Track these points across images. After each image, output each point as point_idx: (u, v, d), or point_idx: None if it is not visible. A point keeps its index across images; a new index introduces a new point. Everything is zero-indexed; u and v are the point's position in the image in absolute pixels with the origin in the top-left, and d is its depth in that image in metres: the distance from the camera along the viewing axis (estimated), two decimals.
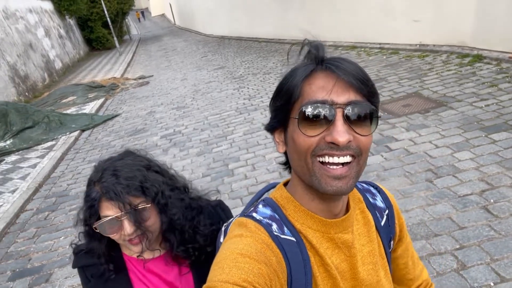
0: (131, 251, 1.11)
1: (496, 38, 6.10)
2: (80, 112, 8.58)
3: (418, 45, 7.73)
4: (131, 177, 1.00)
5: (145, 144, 5.99)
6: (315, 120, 0.64)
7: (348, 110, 0.63)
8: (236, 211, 3.54)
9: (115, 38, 20.51)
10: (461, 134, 4.05)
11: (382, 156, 3.98)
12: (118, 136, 6.70)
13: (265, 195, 0.81)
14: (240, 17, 16.58)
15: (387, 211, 0.84)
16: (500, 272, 2.30)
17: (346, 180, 0.64)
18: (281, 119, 0.72)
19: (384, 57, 7.93)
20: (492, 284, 2.24)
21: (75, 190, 4.82)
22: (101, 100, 9.49)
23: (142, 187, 1.01)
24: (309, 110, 0.64)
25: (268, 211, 0.74)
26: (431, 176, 3.44)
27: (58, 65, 15.42)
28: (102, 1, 19.86)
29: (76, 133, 7.04)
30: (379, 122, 4.09)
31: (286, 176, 0.84)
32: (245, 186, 4.04)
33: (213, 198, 1.31)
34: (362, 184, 0.88)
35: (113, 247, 1.11)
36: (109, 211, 0.99)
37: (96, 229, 1.00)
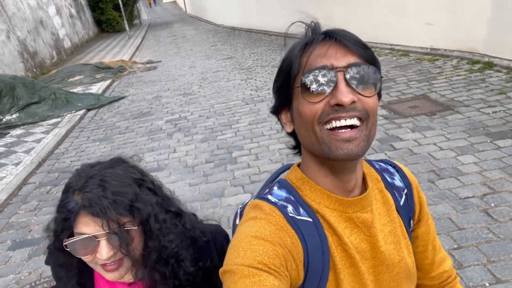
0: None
1: (508, 46, 6.07)
2: (86, 91, 8.59)
3: (429, 49, 7.70)
4: (120, 192, 0.84)
5: (150, 127, 6.01)
6: (317, 86, 0.64)
7: (349, 72, 0.63)
8: (237, 198, 3.56)
9: (125, 21, 20.44)
10: (466, 138, 4.05)
11: (386, 154, 3.99)
12: (124, 117, 6.73)
13: (280, 177, 0.81)
14: (252, 9, 16.51)
15: (406, 190, 0.83)
16: (496, 273, 2.32)
17: (357, 142, 0.63)
18: (285, 96, 0.72)
19: (394, 58, 7.91)
20: (487, 284, 2.26)
21: (78, 167, 4.85)
22: (108, 81, 9.50)
23: (131, 205, 0.85)
24: (310, 77, 0.64)
25: (283, 193, 0.73)
26: (433, 177, 3.46)
27: (67, 44, 15.42)
28: None
29: (81, 112, 7.07)
30: (385, 121, 4.05)
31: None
32: (248, 175, 4.06)
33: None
34: (379, 163, 0.86)
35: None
36: (88, 228, 0.82)
37: (67, 247, 0.84)
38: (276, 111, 0.77)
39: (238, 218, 0.80)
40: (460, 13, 6.85)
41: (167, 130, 5.79)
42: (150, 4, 46.85)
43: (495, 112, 4.55)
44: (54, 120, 6.73)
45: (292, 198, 0.72)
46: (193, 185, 4.00)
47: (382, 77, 0.68)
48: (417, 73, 6.57)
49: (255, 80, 8.07)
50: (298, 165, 0.78)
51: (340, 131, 0.63)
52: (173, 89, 8.38)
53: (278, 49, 11.47)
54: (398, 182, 0.83)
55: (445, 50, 7.36)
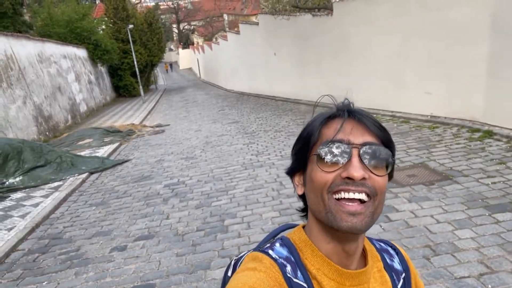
0: None
1: (507, 115, 6.08)
2: (93, 154, 8.79)
3: (429, 116, 7.77)
4: None
5: (148, 192, 6.01)
6: (332, 157, 0.67)
7: (363, 150, 0.67)
8: (223, 271, 3.41)
9: (141, 87, 21.51)
10: (464, 210, 3.90)
11: (381, 226, 3.85)
12: (124, 181, 6.77)
13: (283, 234, 0.81)
14: (260, 76, 17.25)
15: (404, 274, 0.82)
16: None
17: (361, 217, 0.65)
18: (301, 161, 0.76)
19: (395, 125, 7.97)
20: None
21: (70, 234, 4.80)
22: (116, 144, 9.75)
23: None
24: (327, 148, 0.68)
25: (284, 252, 0.74)
26: (429, 253, 3.28)
27: (83, 108, 16.14)
28: (134, 54, 21.11)
29: (84, 175, 7.16)
30: None
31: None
32: (237, 245, 3.94)
33: None
34: (379, 243, 0.87)
35: None
36: None
37: None
38: (291, 172, 0.80)
39: (231, 270, 0.80)
40: (457, 82, 7.01)
41: (164, 195, 5.77)
42: (167, 70, 49.55)
43: (494, 183, 4.43)
44: (56, 184, 6.81)
45: (292, 258, 0.73)
46: (180, 255, 3.87)
47: (394, 160, 0.71)
48: (416, 141, 6.57)
49: (257, 144, 8.17)
50: (303, 227, 0.79)
51: (347, 203, 0.66)
52: (176, 152, 8.51)
53: (283, 114, 11.76)
54: (397, 264, 0.83)
55: (445, 118, 7.42)
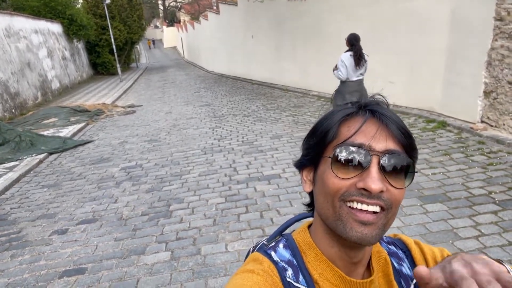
0: None
1: (460, 107, 6.20)
2: (56, 134, 8.65)
3: (392, 105, 7.83)
4: None
5: (103, 175, 5.98)
6: (348, 163, 0.61)
7: (385, 159, 0.61)
8: (156, 257, 3.43)
9: (118, 66, 21.09)
10: None
11: None
12: (81, 163, 6.71)
13: (291, 230, 0.78)
14: (238, 58, 17.09)
15: (415, 280, 0.74)
16: None
17: (372, 228, 0.60)
18: (313, 157, 0.69)
19: None
20: None
21: (15, 215, 4.76)
22: (82, 124, 9.60)
23: None
24: (344, 152, 0.62)
25: (287, 255, 0.70)
26: None
27: (55, 85, 15.75)
28: (111, 31, 20.59)
29: (42, 156, 7.06)
30: None
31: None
32: (176, 230, 3.98)
33: None
34: (389, 246, 0.79)
35: None
36: None
37: None
38: (300, 166, 0.74)
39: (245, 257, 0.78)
40: (419, 72, 7.08)
41: (118, 178, 5.75)
42: (149, 46, 48.77)
43: (435, 174, 4.55)
44: (12, 163, 6.70)
45: (295, 262, 0.69)
46: (118, 240, 3.89)
47: (416, 171, 0.66)
48: None
49: (222, 129, 8.17)
50: (309, 226, 0.75)
51: (359, 212, 0.61)
52: (141, 135, 8.44)
53: (256, 98, 11.72)
54: (406, 269, 0.76)
55: (406, 107, 7.52)
